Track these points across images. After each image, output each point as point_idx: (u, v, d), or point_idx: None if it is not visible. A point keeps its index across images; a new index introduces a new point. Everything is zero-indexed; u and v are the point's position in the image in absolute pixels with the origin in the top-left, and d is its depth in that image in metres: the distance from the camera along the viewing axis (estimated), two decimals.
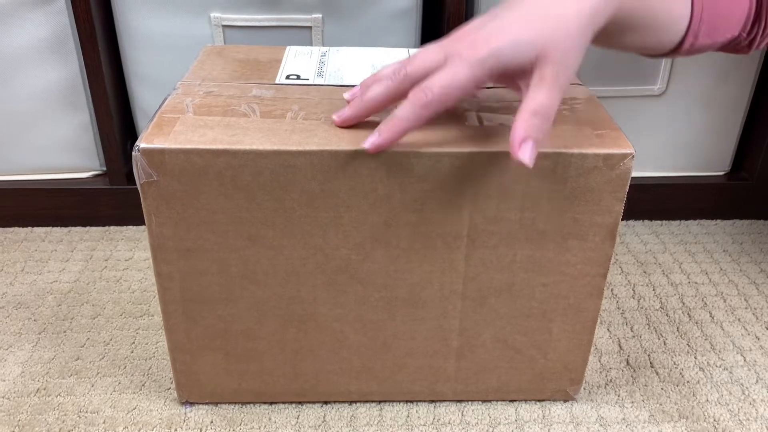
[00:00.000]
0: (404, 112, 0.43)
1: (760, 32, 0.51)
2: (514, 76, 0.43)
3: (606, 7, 0.43)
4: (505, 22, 0.42)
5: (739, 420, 0.56)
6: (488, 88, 0.54)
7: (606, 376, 0.61)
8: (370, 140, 0.44)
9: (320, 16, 0.74)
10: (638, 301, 0.71)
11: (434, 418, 0.56)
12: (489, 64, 0.42)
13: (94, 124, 0.80)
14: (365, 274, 0.50)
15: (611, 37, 0.47)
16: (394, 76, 0.44)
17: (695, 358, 0.63)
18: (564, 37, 0.42)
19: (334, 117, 0.47)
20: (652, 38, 0.49)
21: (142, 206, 0.46)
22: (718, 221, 0.86)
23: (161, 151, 0.44)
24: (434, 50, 0.43)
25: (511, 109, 0.50)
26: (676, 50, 0.50)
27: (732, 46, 0.52)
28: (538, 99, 0.41)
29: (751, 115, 0.84)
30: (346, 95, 0.50)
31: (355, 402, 0.57)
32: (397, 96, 0.44)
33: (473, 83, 0.42)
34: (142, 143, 0.44)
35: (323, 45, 0.75)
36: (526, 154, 0.41)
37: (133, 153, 0.44)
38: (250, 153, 0.44)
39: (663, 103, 0.81)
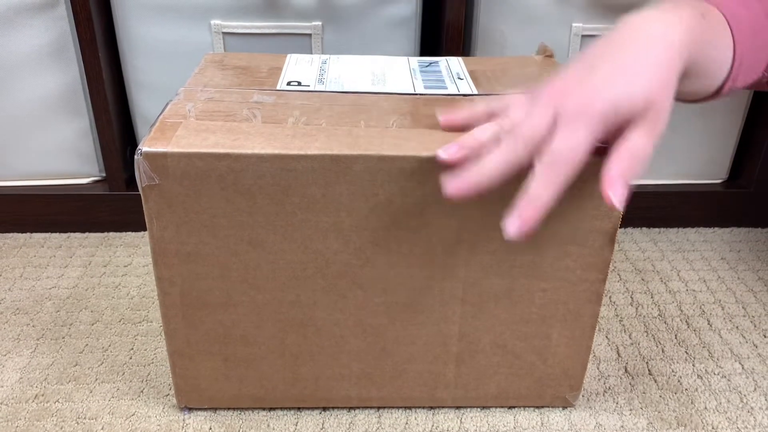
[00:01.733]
0: (541, 190, 0.40)
1: None
2: (618, 128, 0.42)
3: (682, 55, 0.43)
4: (609, 73, 0.42)
5: (738, 428, 0.56)
6: (488, 95, 0.54)
7: (604, 383, 0.61)
8: (514, 225, 0.41)
9: (320, 23, 0.74)
10: (636, 309, 0.71)
11: (433, 425, 0.56)
12: (606, 119, 0.41)
13: (94, 131, 0.81)
14: (365, 278, 0.50)
15: None
16: (511, 143, 0.42)
17: (693, 365, 0.63)
18: (665, 85, 0.42)
19: (450, 189, 0.42)
20: (700, 84, 0.48)
21: (144, 210, 0.47)
22: (716, 229, 0.87)
23: (163, 155, 0.44)
24: (541, 109, 0.42)
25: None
26: (714, 95, 0.50)
27: (755, 85, 0.52)
28: (639, 144, 0.41)
29: (748, 124, 0.84)
30: (443, 154, 0.44)
31: (354, 408, 0.57)
32: (517, 165, 0.42)
33: (594, 141, 0.41)
34: (144, 147, 0.44)
35: (323, 52, 0.76)
36: (617, 193, 0.41)
37: (136, 156, 0.44)
38: (252, 157, 0.45)
39: None
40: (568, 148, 0.40)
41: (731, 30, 0.47)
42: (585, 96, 0.41)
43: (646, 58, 0.42)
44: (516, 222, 0.41)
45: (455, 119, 0.48)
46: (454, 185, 0.42)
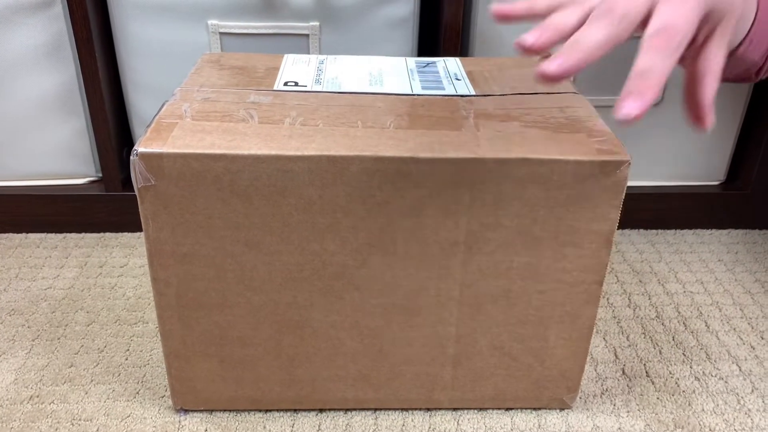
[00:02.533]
0: (654, 62, 0.36)
1: None
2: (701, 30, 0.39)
3: None
4: None
5: (735, 430, 0.56)
6: (486, 96, 0.54)
7: (602, 385, 0.61)
8: (631, 105, 0.35)
9: (317, 24, 0.74)
10: (634, 311, 0.71)
11: (430, 427, 0.56)
12: (706, 3, 0.38)
13: (90, 131, 0.80)
14: (362, 280, 0.50)
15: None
16: (608, 17, 0.37)
17: (691, 367, 0.63)
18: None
19: (547, 67, 0.36)
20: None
21: (140, 211, 0.46)
22: (714, 231, 0.87)
23: (159, 156, 0.44)
24: None
25: (509, 116, 0.50)
26: (729, 55, 0.47)
27: (747, 71, 0.51)
28: (721, 60, 0.39)
29: (746, 125, 0.84)
30: (529, 39, 0.38)
31: (351, 410, 0.57)
32: (618, 43, 0.37)
33: (697, 20, 0.37)
34: (140, 147, 0.44)
35: (320, 53, 0.76)
36: (710, 118, 0.40)
37: (131, 157, 0.44)
38: (248, 158, 0.44)
39: (659, 113, 0.81)
40: (683, 20, 0.36)
41: None
42: None
43: None
44: (634, 100, 0.35)
45: (511, 11, 0.42)
46: (553, 64, 0.36)
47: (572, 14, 0.39)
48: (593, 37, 0.36)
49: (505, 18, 0.42)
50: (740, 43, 0.47)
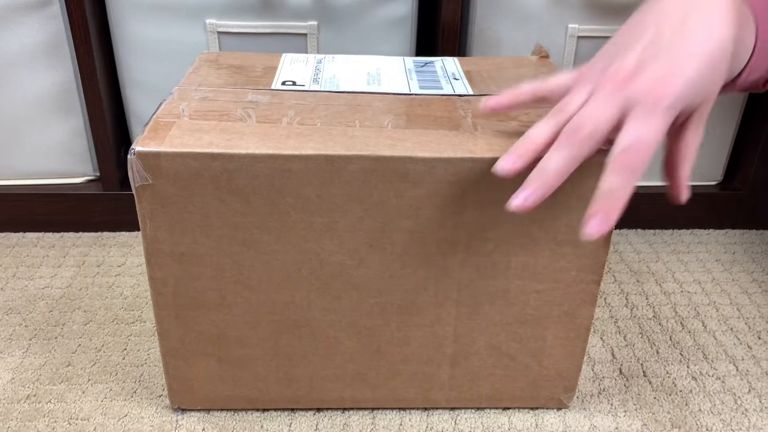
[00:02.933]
0: (616, 184, 0.38)
1: None
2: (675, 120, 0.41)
3: (731, 42, 0.41)
4: (675, 58, 0.39)
5: (732, 429, 0.56)
6: (484, 95, 0.54)
7: (599, 385, 0.61)
8: (595, 224, 0.38)
9: (316, 23, 0.74)
10: (631, 310, 0.71)
11: (427, 426, 0.56)
12: (676, 109, 0.39)
13: (88, 130, 0.80)
14: (360, 279, 0.50)
15: None
16: (576, 142, 0.39)
17: (688, 367, 0.63)
18: (723, 72, 0.40)
19: (515, 202, 0.40)
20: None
21: (137, 210, 0.46)
22: (711, 231, 0.87)
23: (157, 155, 0.44)
24: (605, 100, 0.39)
25: (507, 116, 0.50)
26: (729, 86, 0.49)
27: (755, 84, 0.51)
28: (697, 142, 0.42)
29: (743, 126, 0.84)
30: (504, 167, 0.41)
31: (348, 409, 0.57)
32: (582, 161, 0.40)
33: (664, 135, 0.39)
34: (137, 146, 0.44)
35: (318, 52, 0.76)
36: (685, 193, 0.43)
37: (129, 156, 0.44)
38: (246, 157, 0.44)
39: None
40: (646, 140, 0.38)
41: (755, 20, 0.45)
42: (652, 85, 0.39)
43: (713, 40, 0.39)
44: (598, 220, 0.38)
45: (498, 105, 0.45)
46: (520, 201, 0.40)
47: (545, 128, 0.41)
48: (557, 166, 0.39)
49: (495, 112, 0.45)
50: (739, 74, 0.47)
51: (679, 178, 0.43)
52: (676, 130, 0.43)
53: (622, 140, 0.38)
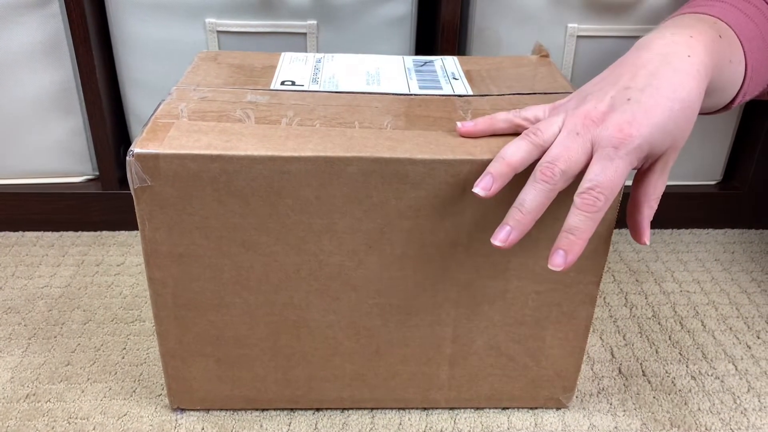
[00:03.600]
0: (579, 222, 0.41)
1: None
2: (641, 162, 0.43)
3: (706, 81, 0.44)
4: (644, 104, 0.41)
5: (731, 429, 0.56)
6: (483, 95, 0.54)
7: (598, 384, 0.61)
8: (560, 259, 0.41)
9: (315, 22, 0.74)
10: (630, 310, 0.71)
11: (426, 426, 0.56)
12: (641, 152, 0.41)
13: (87, 129, 0.80)
14: (359, 280, 0.50)
15: None
16: (547, 174, 0.41)
17: (687, 366, 0.63)
18: (689, 123, 0.42)
19: (497, 242, 0.42)
20: (714, 101, 0.49)
21: (136, 211, 0.46)
22: (710, 230, 0.87)
23: (155, 156, 0.44)
24: (578, 140, 0.42)
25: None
26: (723, 109, 0.51)
27: (759, 96, 0.53)
28: (660, 188, 0.43)
29: (742, 126, 0.84)
30: (481, 191, 0.43)
31: (348, 409, 0.57)
32: (555, 195, 0.42)
33: (628, 174, 0.41)
34: (136, 148, 0.44)
35: (318, 51, 0.75)
36: (647, 236, 0.46)
37: (127, 158, 0.44)
38: (245, 158, 0.44)
39: None
40: (610, 181, 0.41)
41: (743, 47, 0.48)
42: (620, 127, 0.41)
43: (680, 92, 0.42)
44: (562, 256, 0.41)
45: (474, 130, 0.47)
46: (501, 239, 0.42)
47: (521, 150, 0.43)
48: (534, 202, 0.42)
49: (469, 136, 0.47)
50: (733, 99, 0.50)
51: (640, 222, 0.45)
52: (641, 174, 0.45)
53: (587, 180, 0.41)
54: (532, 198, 0.42)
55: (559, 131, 0.43)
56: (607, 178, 0.40)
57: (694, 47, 0.44)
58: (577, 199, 0.41)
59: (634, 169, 0.43)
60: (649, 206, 0.45)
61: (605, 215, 0.47)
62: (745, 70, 0.48)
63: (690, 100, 0.42)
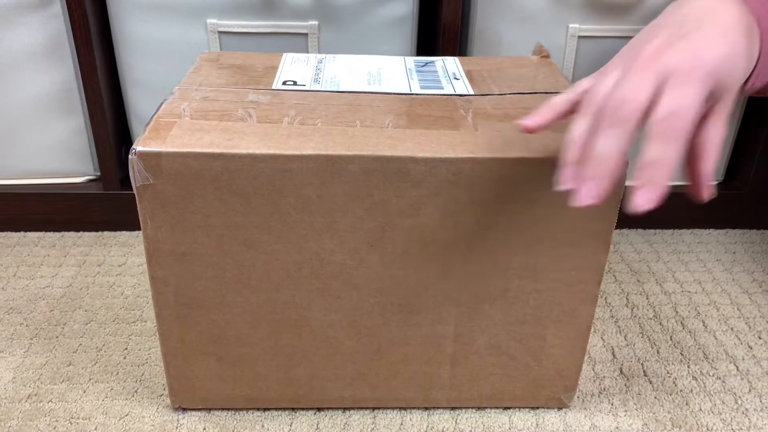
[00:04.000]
0: (659, 152, 0.37)
1: None
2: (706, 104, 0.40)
3: (748, 38, 0.42)
4: (704, 36, 0.39)
5: (732, 429, 0.56)
6: (484, 95, 0.54)
7: (599, 384, 0.61)
8: (645, 196, 0.37)
9: (316, 23, 0.74)
10: (632, 310, 0.71)
11: (428, 426, 0.56)
12: (711, 82, 0.38)
13: (89, 129, 0.80)
14: (360, 279, 0.50)
15: None
16: (619, 121, 0.38)
17: (688, 367, 0.63)
18: (740, 68, 0.40)
19: (580, 201, 0.38)
20: None
21: (138, 210, 0.46)
22: (711, 230, 0.87)
23: (158, 155, 0.44)
24: (638, 73, 0.38)
25: (508, 116, 0.50)
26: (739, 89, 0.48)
27: (763, 90, 0.52)
28: (722, 133, 0.40)
29: (744, 126, 0.84)
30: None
31: (349, 409, 0.57)
32: (630, 143, 0.38)
33: (702, 102, 0.38)
34: (138, 146, 0.44)
35: (319, 52, 0.76)
36: (707, 187, 0.41)
37: (130, 156, 0.44)
38: (247, 157, 0.44)
39: None
40: (687, 107, 0.37)
41: (760, 29, 0.45)
42: (692, 53, 0.38)
43: (731, 35, 0.39)
44: (647, 192, 0.37)
45: (542, 121, 0.44)
46: (583, 197, 0.38)
47: (581, 125, 0.39)
48: (611, 152, 0.37)
49: (538, 129, 0.44)
50: (745, 82, 0.47)
51: (700, 175, 0.41)
52: (703, 119, 0.42)
53: (661, 109, 0.37)
54: (606, 148, 0.38)
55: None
56: (682, 104, 0.37)
57: (730, 8, 0.41)
58: (655, 127, 0.37)
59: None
60: (711, 157, 0.40)
61: (605, 214, 0.48)
62: (759, 53, 0.45)
63: (739, 44, 0.40)
